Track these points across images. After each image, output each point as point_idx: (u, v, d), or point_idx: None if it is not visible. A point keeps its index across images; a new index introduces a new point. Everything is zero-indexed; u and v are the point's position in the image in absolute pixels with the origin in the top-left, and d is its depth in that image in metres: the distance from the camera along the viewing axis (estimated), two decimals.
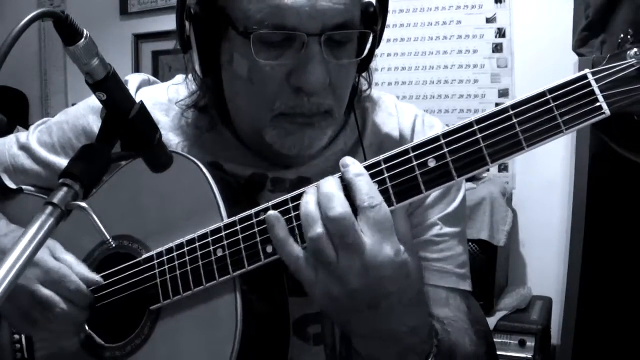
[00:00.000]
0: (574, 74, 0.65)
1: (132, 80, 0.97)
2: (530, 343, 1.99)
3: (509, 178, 2.46)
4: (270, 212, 0.69)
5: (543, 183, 2.39)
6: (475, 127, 0.66)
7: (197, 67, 0.82)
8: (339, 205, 0.63)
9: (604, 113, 0.63)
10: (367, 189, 0.64)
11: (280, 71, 0.76)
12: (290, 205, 0.71)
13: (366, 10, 0.80)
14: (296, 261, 0.66)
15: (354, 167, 0.66)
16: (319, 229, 0.63)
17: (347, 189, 0.65)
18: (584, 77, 0.65)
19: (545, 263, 2.40)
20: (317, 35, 0.73)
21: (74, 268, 0.80)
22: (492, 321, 2.02)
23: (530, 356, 1.99)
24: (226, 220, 0.75)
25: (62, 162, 0.93)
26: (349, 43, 0.79)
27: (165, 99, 0.94)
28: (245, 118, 0.85)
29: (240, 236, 0.74)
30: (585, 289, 1.90)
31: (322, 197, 0.64)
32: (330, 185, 0.65)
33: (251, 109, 0.81)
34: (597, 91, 0.64)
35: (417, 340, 0.70)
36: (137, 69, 3.14)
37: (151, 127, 0.67)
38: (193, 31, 0.79)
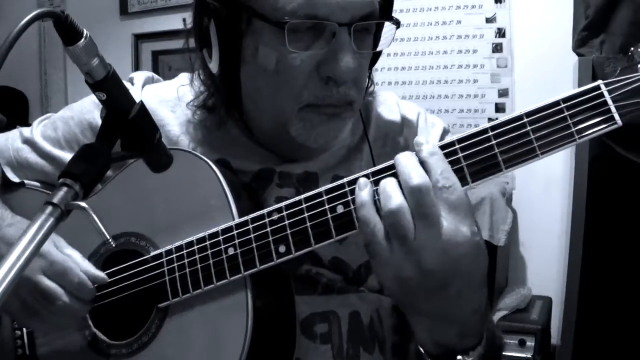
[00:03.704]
0: (587, 85, 0.67)
1: (137, 78, 0.97)
2: (530, 343, 2.00)
3: (509, 178, 2.46)
4: (363, 178, 0.68)
5: (543, 183, 2.39)
6: (490, 134, 0.67)
7: (213, 65, 0.82)
8: (419, 176, 0.63)
9: (616, 123, 0.65)
10: (442, 169, 0.64)
11: (310, 62, 0.77)
12: (304, 205, 0.71)
13: (382, 1, 0.82)
14: (373, 229, 0.65)
15: (427, 146, 0.66)
16: (398, 199, 0.63)
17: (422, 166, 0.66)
18: (597, 87, 0.66)
19: (545, 263, 2.40)
20: (347, 25, 0.75)
21: (79, 265, 0.80)
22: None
23: (530, 356, 1.99)
24: (238, 220, 0.75)
25: (67, 157, 0.92)
26: (370, 35, 0.81)
27: (172, 96, 0.94)
28: (268, 113, 0.85)
29: (252, 235, 0.74)
30: (585, 289, 1.90)
31: (400, 169, 0.64)
32: (407, 158, 0.65)
33: (276, 102, 0.81)
34: (609, 102, 0.65)
35: (477, 321, 0.71)
36: (137, 69, 3.14)
37: (151, 127, 0.67)
38: (215, 27, 0.79)
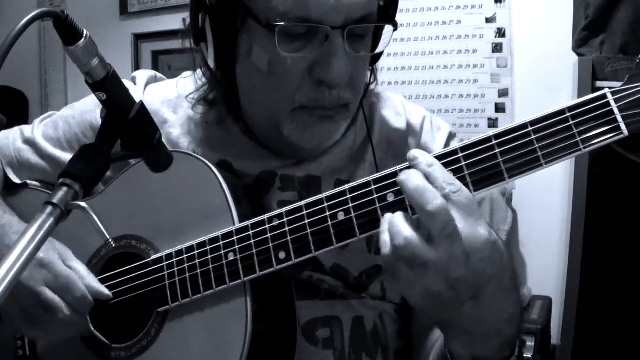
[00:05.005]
0: (593, 94, 0.65)
1: (140, 77, 0.97)
2: (530, 343, 1.99)
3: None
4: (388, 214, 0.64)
5: (543, 183, 2.38)
6: (494, 142, 0.66)
7: (210, 60, 0.81)
8: (436, 197, 0.60)
9: (622, 133, 0.64)
10: (444, 177, 0.62)
11: (302, 64, 0.76)
12: (305, 212, 0.71)
13: (382, 4, 0.81)
14: (392, 259, 0.62)
15: (423, 158, 0.64)
16: (406, 232, 0.60)
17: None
18: (604, 96, 0.65)
19: (545, 263, 2.39)
20: (341, 28, 0.73)
21: (84, 279, 0.80)
22: None
23: (530, 356, 1.98)
24: (238, 225, 0.75)
25: (68, 157, 0.92)
26: (367, 36, 0.80)
27: (173, 95, 0.93)
28: (262, 111, 0.85)
29: (252, 241, 0.73)
30: (585, 289, 1.90)
31: (410, 192, 0.61)
32: (417, 178, 0.61)
33: (270, 102, 0.81)
34: (616, 111, 0.64)
35: (514, 330, 0.69)
36: (137, 69, 3.13)
37: (151, 127, 0.67)
38: (209, 23, 0.78)
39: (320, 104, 0.78)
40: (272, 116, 0.82)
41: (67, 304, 0.77)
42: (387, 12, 0.82)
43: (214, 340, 0.75)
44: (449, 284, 0.61)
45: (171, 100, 0.93)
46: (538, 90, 2.37)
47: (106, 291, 0.81)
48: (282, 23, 0.72)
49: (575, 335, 1.92)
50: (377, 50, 0.84)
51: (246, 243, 0.74)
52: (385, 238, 0.63)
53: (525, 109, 2.43)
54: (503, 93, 2.51)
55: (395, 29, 0.81)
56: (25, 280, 0.76)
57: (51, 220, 0.57)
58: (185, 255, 0.78)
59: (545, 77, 2.35)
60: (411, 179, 0.61)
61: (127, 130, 0.65)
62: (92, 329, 0.84)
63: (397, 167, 0.68)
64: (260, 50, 0.77)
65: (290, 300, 0.80)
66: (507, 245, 0.67)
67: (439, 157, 0.66)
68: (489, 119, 2.52)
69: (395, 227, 0.62)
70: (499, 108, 2.52)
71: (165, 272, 0.79)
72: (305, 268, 0.84)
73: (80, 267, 0.81)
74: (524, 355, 1.98)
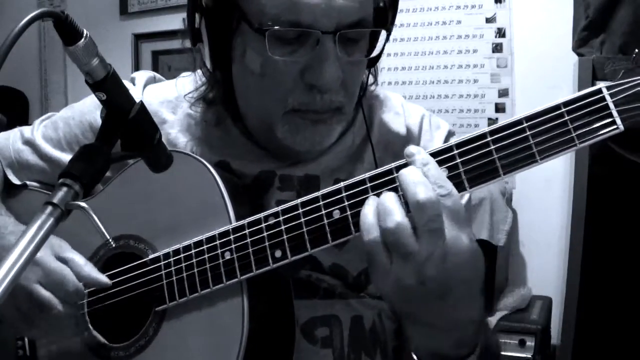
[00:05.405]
0: (588, 89, 0.65)
1: (139, 78, 0.97)
2: (530, 343, 1.99)
3: (509, 177, 2.46)
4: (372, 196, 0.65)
5: (543, 183, 2.39)
6: (489, 139, 0.66)
7: (207, 61, 0.82)
8: (428, 190, 0.60)
9: (617, 128, 0.64)
10: (436, 178, 0.62)
11: (294, 67, 0.76)
12: (301, 210, 0.71)
13: (379, 8, 0.80)
14: (373, 240, 0.62)
15: (419, 156, 0.64)
16: (398, 217, 0.61)
17: None
18: (599, 91, 0.65)
19: (545, 263, 2.40)
20: (332, 33, 0.73)
21: (82, 268, 0.79)
22: (492, 321, 2.02)
23: (530, 356, 1.99)
24: (235, 224, 0.75)
25: (68, 158, 0.92)
26: (362, 40, 0.80)
27: (173, 95, 0.93)
28: (256, 113, 0.85)
29: (248, 240, 0.73)
30: (585, 289, 1.90)
31: (405, 183, 0.62)
32: (413, 172, 0.62)
33: (263, 104, 0.81)
34: (611, 106, 0.64)
35: (473, 332, 0.70)
36: (137, 69, 3.14)
37: (151, 127, 0.67)
38: (205, 24, 0.79)
39: (312, 107, 0.78)
40: (265, 118, 0.82)
41: (60, 300, 0.77)
42: (385, 15, 0.81)
43: (211, 339, 0.75)
44: (421, 282, 0.61)
45: (170, 100, 0.93)
46: (538, 90, 2.37)
47: (105, 279, 0.80)
48: (273, 27, 0.72)
49: (575, 335, 1.92)
50: (372, 55, 0.83)
51: (242, 242, 0.74)
52: (370, 220, 0.63)
53: (525, 109, 2.41)
54: (503, 93, 2.51)
55: (389, 34, 0.80)
56: (20, 281, 0.76)
57: (51, 220, 0.57)
58: (182, 255, 0.78)
59: (545, 77, 2.36)
60: (409, 171, 0.63)
61: (127, 130, 0.65)
62: (91, 328, 0.84)
63: (393, 165, 0.68)
64: (253, 53, 0.78)
65: (288, 299, 0.80)
66: (484, 256, 0.68)
67: (435, 154, 0.66)
68: (489, 119, 2.52)
69: (387, 207, 0.62)
70: (499, 108, 2.52)
71: (163, 272, 0.79)
72: (303, 267, 0.85)
73: (77, 257, 0.80)
74: (524, 356, 1.99)
